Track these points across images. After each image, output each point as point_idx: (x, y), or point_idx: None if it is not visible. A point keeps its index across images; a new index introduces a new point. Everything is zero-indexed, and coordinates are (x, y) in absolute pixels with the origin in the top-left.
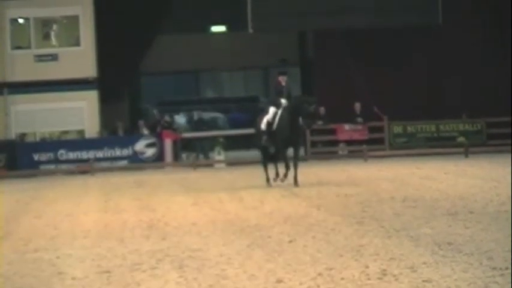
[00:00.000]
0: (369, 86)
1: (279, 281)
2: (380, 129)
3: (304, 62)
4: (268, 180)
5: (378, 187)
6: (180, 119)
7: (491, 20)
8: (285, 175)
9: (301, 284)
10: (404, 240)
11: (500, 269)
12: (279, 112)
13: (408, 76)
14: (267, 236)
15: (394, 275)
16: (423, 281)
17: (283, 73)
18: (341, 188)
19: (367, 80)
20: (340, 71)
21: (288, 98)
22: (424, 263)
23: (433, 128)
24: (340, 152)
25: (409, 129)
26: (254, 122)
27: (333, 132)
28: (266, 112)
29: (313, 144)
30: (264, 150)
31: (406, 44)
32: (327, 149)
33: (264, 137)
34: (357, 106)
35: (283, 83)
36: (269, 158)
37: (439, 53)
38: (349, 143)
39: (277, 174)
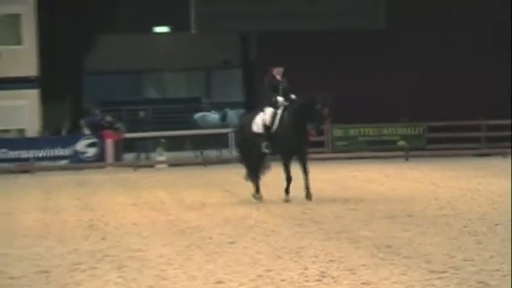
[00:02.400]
0: (312, 88)
1: (219, 282)
2: (321, 132)
3: (247, 64)
4: (258, 191)
5: (319, 189)
6: (212, 115)
7: (437, 24)
8: (287, 190)
9: (240, 285)
10: (343, 243)
11: (438, 272)
12: (279, 113)
13: (352, 79)
14: (207, 237)
15: (333, 277)
16: (362, 283)
17: (277, 64)
18: (281, 190)
19: (309, 83)
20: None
21: (285, 95)
22: (363, 265)
23: (374, 132)
24: None
25: (350, 132)
26: (239, 123)
27: None
28: (257, 112)
29: None
30: (253, 157)
31: (350, 47)
32: None
33: (265, 143)
34: None
35: (279, 77)
36: (255, 166)
37: (384, 56)
38: None
39: (257, 190)
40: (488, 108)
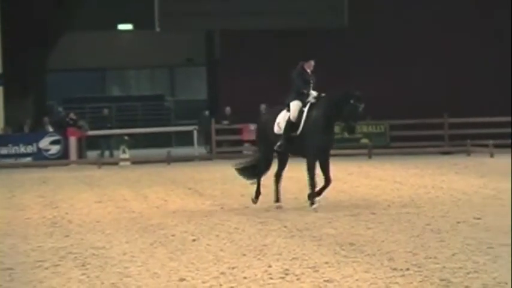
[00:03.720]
0: (275, 87)
1: (182, 279)
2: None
3: (211, 62)
4: (258, 197)
5: (282, 187)
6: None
7: (399, 22)
8: (314, 195)
9: (203, 282)
10: (306, 240)
11: (401, 269)
12: (305, 110)
13: (316, 77)
14: (171, 234)
15: (296, 275)
16: (325, 280)
17: (308, 58)
18: (245, 188)
19: (273, 81)
20: (246, 72)
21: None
22: (326, 262)
23: (337, 130)
24: (245, 152)
25: None
26: (258, 121)
27: (238, 132)
28: (280, 109)
29: (218, 143)
30: (266, 160)
31: (312, 46)
32: (232, 148)
33: (281, 142)
34: (263, 107)
35: (309, 71)
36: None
37: (346, 54)
38: (254, 143)
39: (258, 195)
40: (452, 106)
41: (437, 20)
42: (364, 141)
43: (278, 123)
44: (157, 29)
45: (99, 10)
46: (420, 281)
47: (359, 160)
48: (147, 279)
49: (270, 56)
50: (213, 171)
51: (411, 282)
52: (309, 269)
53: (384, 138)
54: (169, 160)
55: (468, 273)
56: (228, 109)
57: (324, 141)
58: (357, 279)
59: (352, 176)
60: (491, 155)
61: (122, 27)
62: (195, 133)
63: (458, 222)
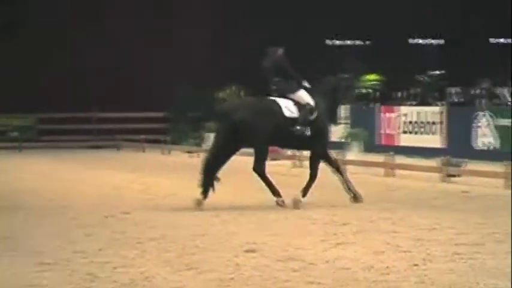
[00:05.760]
0: None
1: None
2: None
3: None
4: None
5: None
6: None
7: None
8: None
9: None
10: None
11: (49, 264)
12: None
13: None
14: None
15: None
16: None
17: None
18: None
19: None
20: None
21: None
22: None
23: None
24: None
25: None
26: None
27: None
28: (272, 98)
29: None
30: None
31: None
32: None
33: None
34: None
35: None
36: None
37: None
38: None
39: (278, 194)
40: (102, 101)
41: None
42: (14, 134)
43: (287, 107)
44: None
45: None
46: (68, 275)
47: (10, 154)
48: None
49: None
50: None
51: (58, 277)
52: None
53: (32, 131)
54: None
55: (115, 267)
56: None
57: (328, 129)
58: (1, 275)
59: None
60: (143, 150)
61: None
62: None
63: (107, 217)
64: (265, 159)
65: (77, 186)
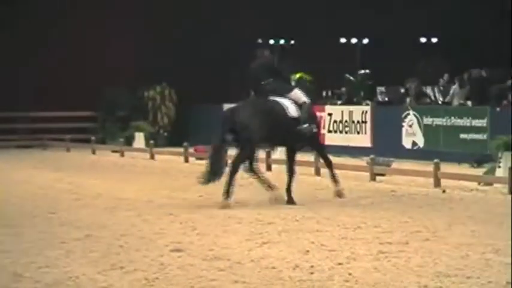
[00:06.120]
0: None
1: None
2: None
3: None
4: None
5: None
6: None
7: None
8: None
9: None
10: None
11: None
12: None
13: None
14: None
15: None
16: None
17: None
18: None
19: None
20: None
21: None
22: None
23: None
24: None
25: None
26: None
27: None
28: (272, 98)
29: None
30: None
31: None
32: None
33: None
34: None
35: None
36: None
37: None
38: None
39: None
40: (28, 101)
41: None
42: None
43: (288, 108)
44: None
45: None
46: None
47: None
48: None
49: None
50: None
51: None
52: None
53: None
54: None
55: (40, 267)
56: None
57: None
58: None
59: None
60: (68, 150)
61: None
62: None
63: (34, 217)
64: (248, 158)
65: (2, 186)
